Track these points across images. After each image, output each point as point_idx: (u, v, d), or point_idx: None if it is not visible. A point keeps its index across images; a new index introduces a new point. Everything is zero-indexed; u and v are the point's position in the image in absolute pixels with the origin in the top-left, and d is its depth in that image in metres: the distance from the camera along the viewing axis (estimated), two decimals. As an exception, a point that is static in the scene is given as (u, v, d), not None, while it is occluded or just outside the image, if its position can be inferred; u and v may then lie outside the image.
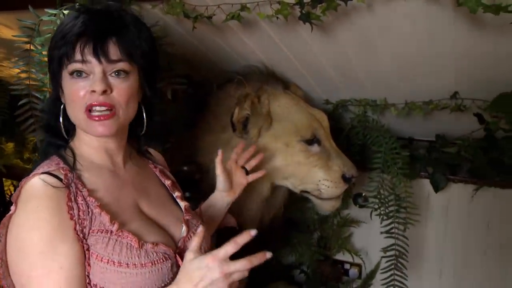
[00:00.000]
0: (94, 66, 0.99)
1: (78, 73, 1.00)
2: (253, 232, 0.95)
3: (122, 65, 1.02)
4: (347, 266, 2.70)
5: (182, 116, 1.93)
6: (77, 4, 1.43)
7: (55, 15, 1.47)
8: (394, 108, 1.96)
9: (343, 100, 2.10)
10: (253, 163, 1.58)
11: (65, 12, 1.43)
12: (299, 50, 1.69)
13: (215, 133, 1.80)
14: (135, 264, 0.98)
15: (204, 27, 1.57)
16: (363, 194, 2.44)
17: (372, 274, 2.58)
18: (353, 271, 2.69)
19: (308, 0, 1.25)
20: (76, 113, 1.03)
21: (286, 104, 1.78)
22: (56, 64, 1.02)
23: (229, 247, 0.93)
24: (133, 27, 1.05)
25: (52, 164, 1.04)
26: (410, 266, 2.52)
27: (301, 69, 1.85)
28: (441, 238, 2.47)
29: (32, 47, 1.51)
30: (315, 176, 1.74)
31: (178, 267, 1.05)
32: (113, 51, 1.01)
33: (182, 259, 1.06)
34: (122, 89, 1.03)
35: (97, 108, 1.01)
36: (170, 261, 1.05)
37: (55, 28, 1.42)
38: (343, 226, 2.60)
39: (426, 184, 2.35)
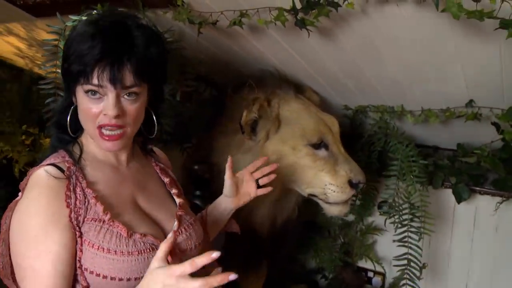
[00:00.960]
0: (109, 91, 1.06)
1: (93, 93, 1.07)
2: (214, 255, 0.95)
3: (134, 89, 1.09)
4: (370, 274, 2.68)
5: (199, 117, 2.00)
6: (94, 11, 1.56)
7: (79, 21, 1.59)
8: (410, 115, 1.93)
9: (362, 106, 2.10)
10: (266, 180, 1.56)
11: (84, 18, 1.55)
12: (308, 55, 1.72)
13: (228, 135, 1.86)
14: (122, 252, 1.06)
15: (218, 32, 1.64)
16: (388, 202, 2.41)
17: (395, 284, 2.54)
18: (376, 280, 2.66)
19: (301, 7, 1.28)
20: (87, 126, 1.12)
21: (296, 108, 1.81)
22: (73, 79, 1.08)
23: (188, 267, 0.94)
24: (144, 45, 1.10)
25: (59, 157, 1.14)
26: (436, 278, 2.47)
27: (314, 74, 1.87)
28: (468, 251, 2.39)
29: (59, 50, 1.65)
30: (322, 180, 1.76)
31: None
32: (128, 77, 1.07)
33: (170, 251, 1.14)
34: (133, 110, 1.11)
35: (109, 128, 1.09)
36: (156, 251, 1.12)
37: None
38: (365, 234, 2.58)
39: (451, 194, 2.29)
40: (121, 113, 1.08)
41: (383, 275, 2.63)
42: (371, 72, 1.73)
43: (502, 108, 1.70)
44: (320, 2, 1.23)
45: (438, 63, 1.54)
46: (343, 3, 1.22)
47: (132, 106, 1.10)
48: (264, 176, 1.55)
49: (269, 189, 1.54)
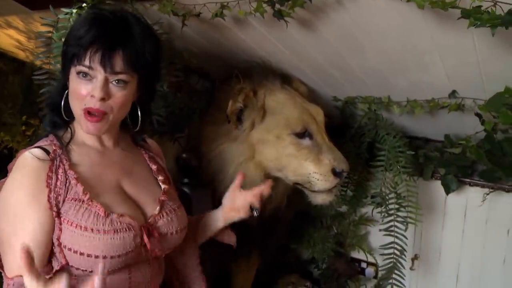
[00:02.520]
0: (98, 73, 1.12)
1: (84, 75, 1.13)
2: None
3: (123, 76, 1.15)
4: (363, 265, 2.70)
5: (190, 108, 2.05)
6: (84, 4, 1.61)
7: (71, 13, 1.64)
8: (396, 106, 1.96)
9: (350, 97, 2.13)
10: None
11: (74, 11, 1.61)
12: (293, 47, 1.75)
13: (216, 124, 1.91)
14: (98, 230, 1.11)
15: (206, 25, 1.68)
16: (381, 193, 2.43)
17: (388, 275, 2.56)
18: (370, 270, 2.69)
19: (276, -1, 1.32)
20: (74, 107, 1.18)
21: (281, 98, 1.85)
22: (68, 60, 1.15)
23: None
24: (140, 39, 1.16)
25: (47, 140, 1.21)
26: (427, 269, 2.50)
27: (301, 65, 1.91)
28: (458, 243, 2.41)
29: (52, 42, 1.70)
30: (306, 169, 1.79)
31: (142, 239, 1.19)
32: (118, 63, 1.13)
33: (148, 234, 1.20)
34: (118, 98, 1.16)
35: (92, 112, 1.15)
36: (133, 232, 1.16)
37: (69, 25, 1.62)
38: (358, 225, 2.61)
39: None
40: (106, 97, 1.13)
41: (376, 265, 2.65)
42: (354, 62, 1.76)
43: (484, 99, 1.72)
44: (294, -7, 1.27)
45: (416, 53, 1.57)
46: (316, -7, 1.26)
47: (118, 93, 1.15)
48: None
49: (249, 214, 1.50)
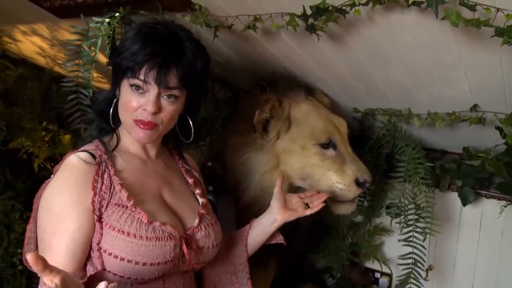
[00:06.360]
0: (152, 88, 1.18)
1: (137, 88, 1.18)
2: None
3: (175, 92, 1.20)
4: (377, 275, 2.72)
5: (213, 117, 2.08)
6: (117, 14, 1.64)
7: (102, 22, 1.68)
8: (417, 118, 1.99)
9: (370, 109, 2.16)
10: (316, 202, 1.60)
11: (107, 20, 1.64)
12: (320, 60, 1.78)
13: (241, 133, 1.94)
14: (141, 236, 1.14)
15: (233, 36, 1.71)
16: (397, 204, 2.46)
17: (402, 285, 2.58)
18: (383, 281, 2.71)
19: (310, 13, 1.35)
20: (125, 117, 1.23)
21: (306, 109, 1.88)
22: (122, 72, 1.20)
23: None
24: (192, 56, 1.21)
25: (93, 145, 1.25)
26: (442, 280, 2.52)
27: (325, 77, 1.94)
28: (473, 255, 2.43)
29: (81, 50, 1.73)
30: (329, 179, 1.82)
31: (181, 250, 1.21)
32: (172, 79, 1.18)
33: (187, 244, 1.23)
34: (169, 112, 1.22)
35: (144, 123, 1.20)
36: (173, 241, 1.19)
37: (100, 34, 1.65)
38: (373, 234, 2.63)
39: (458, 197, 2.33)
40: (158, 111, 1.19)
41: (390, 276, 2.67)
42: (379, 76, 1.79)
43: (506, 113, 1.75)
44: (329, 9, 1.30)
45: (442, 68, 1.60)
46: (351, 10, 1.29)
47: (169, 107, 1.21)
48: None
49: (317, 208, 1.59)
